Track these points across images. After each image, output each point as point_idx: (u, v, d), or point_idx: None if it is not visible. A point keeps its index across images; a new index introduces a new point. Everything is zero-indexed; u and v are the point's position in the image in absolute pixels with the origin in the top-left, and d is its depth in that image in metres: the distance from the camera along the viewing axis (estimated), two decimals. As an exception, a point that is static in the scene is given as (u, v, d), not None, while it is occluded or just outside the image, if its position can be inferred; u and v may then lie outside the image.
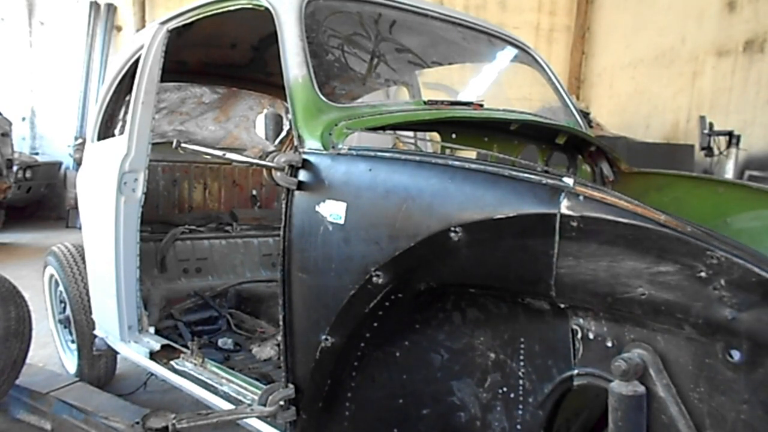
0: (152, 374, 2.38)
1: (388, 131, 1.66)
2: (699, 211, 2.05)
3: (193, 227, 3.15)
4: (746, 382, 0.93)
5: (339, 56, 1.91)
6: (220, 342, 2.42)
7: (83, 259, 2.77)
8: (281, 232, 1.47)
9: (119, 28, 9.55)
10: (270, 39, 1.95)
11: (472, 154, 2.29)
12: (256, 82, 3.30)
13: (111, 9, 9.52)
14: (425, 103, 1.76)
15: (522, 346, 1.23)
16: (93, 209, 2.53)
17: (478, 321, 1.30)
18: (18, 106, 9.31)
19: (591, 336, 1.10)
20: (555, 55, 8.66)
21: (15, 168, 7.34)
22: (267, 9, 1.68)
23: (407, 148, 2.24)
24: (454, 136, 1.78)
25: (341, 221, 1.35)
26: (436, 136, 1.89)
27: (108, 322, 2.42)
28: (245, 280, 3.06)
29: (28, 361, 2.43)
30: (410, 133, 2.01)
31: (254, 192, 3.63)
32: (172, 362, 2.11)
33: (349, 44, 1.95)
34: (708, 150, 5.73)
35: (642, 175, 2.25)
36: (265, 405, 1.48)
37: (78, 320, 2.77)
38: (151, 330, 2.35)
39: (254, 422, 1.67)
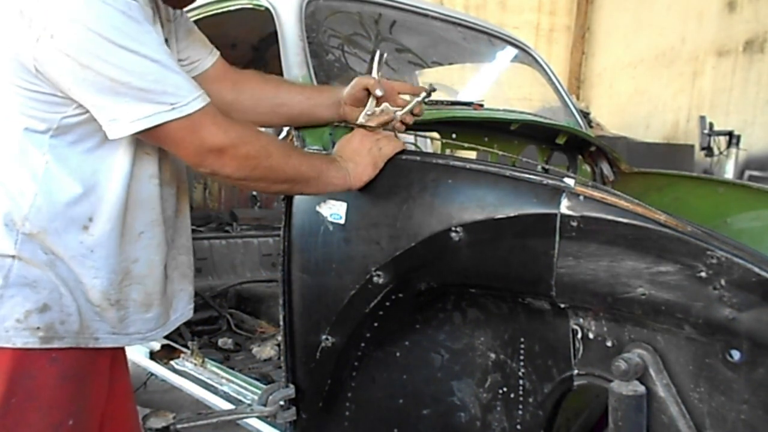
0: (152, 374, 2.38)
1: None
2: (699, 211, 2.05)
3: (193, 227, 3.15)
4: (746, 382, 0.93)
5: (339, 56, 1.91)
6: (220, 342, 2.42)
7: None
8: (281, 232, 1.47)
9: (119, 28, 9.53)
10: (270, 39, 1.95)
11: (472, 154, 2.29)
12: (257, 82, 3.30)
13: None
14: (425, 103, 1.76)
15: (522, 346, 1.23)
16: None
17: (478, 321, 1.30)
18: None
19: (591, 336, 1.11)
20: (555, 55, 8.65)
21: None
22: (267, 9, 1.68)
23: (407, 148, 2.24)
24: (454, 136, 1.78)
25: (341, 221, 1.35)
26: (436, 136, 1.89)
27: (108, 322, 2.41)
28: (245, 280, 3.06)
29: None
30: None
31: (254, 192, 3.63)
32: (172, 362, 2.11)
33: (349, 44, 1.95)
34: (708, 150, 5.73)
35: (642, 175, 2.25)
36: (265, 405, 1.48)
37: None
38: (151, 330, 2.34)
39: (254, 422, 1.67)
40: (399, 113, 1.35)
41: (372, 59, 1.35)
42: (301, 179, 1.20)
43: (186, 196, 1.32)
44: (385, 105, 1.37)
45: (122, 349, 1.28)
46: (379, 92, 1.33)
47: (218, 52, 1.36)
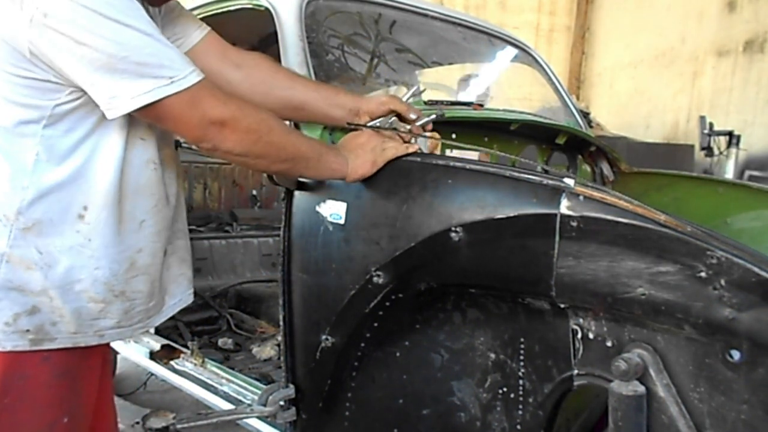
0: (152, 374, 2.38)
1: (389, 131, 1.66)
2: (699, 211, 2.05)
3: (193, 227, 3.15)
4: (746, 382, 0.93)
5: (339, 56, 1.91)
6: (220, 342, 2.42)
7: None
8: (281, 232, 1.47)
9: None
10: (270, 39, 1.95)
11: (472, 154, 2.29)
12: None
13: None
14: (425, 103, 1.76)
15: (522, 346, 1.23)
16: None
17: (478, 321, 1.30)
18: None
19: (591, 336, 1.10)
20: (555, 55, 8.64)
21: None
22: (267, 9, 1.68)
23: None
24: (454, 136, 1.78)
25: (341, 221, 1.35)
26: (436, 136, 1.89)
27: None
28: (245, 280, 3.06)
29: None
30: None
31: (254, 192, 3.63)
32: (172, 362, 2.11)
33: (349, 44, 1.95)
34: (708, 150, 5.72)
35: (642, 175, 2.25)
36: (265, 405, 1.48)
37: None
38: (151, 330, 2.35)
39: (254, 422, 1.67)
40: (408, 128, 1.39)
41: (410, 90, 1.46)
42: (301, 159, 1.19)
43: (182, 180, 1.31)
44: (394, 119, 1.40)
45: (109, 345, 1.27)
46: (413, 116, 1.39)
47: (209, 28, 1.34)
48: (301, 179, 1.45)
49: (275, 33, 1.65)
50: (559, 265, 1.05)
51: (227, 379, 1.90)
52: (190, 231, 3.34)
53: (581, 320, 1.11)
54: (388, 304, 1.29)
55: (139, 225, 1.15)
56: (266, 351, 2.26)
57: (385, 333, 1.36)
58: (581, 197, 1.04)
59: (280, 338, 1.55)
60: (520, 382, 1.24)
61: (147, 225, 1.16)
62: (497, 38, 2.34)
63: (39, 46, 0.96)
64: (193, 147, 1.41)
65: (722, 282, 0.90)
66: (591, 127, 5.15)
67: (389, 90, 2.74)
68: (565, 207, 1.04)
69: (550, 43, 8.82)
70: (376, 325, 1.34)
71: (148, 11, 1.14)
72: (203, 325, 2.63)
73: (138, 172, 1.13)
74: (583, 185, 1.07)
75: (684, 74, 7.19)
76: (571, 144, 2.19)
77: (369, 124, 1.37)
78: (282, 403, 1.49)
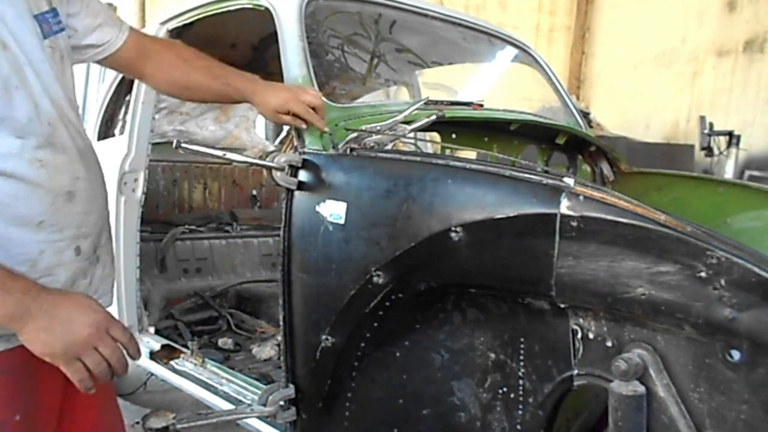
0: (152, 374, 2.38)
1: (389, 131, 1.66)
2: (699, 211, 2.05)
3: (193, 227, 3.15)
4: (746, 382, 0.93)
5: (339, 56, 1.91)
6: (220, 342, 2.42)
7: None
8: (281, 232, 1.47)
9: (119, 28, 9.51)
10: (270, 39, 1.96)
11: (472, 154, 2.29)
12: (256, 82, 3.29)
13: (111, 9, 9.48)
14: (426, 102, 1.77)
15: (522, 346, 1.23)
16: (93, 209, 2.52)
17: (478, 321, 1.30)
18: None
19: (591, 336, 1.10)
20: (555, 55, 8.63)
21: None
22: (267, 9, 1.68)
23: (407, 148, 2.25)
24: (454, 136, 1.78)
25: (341, 221, 1.35)
26: (436, 136, 1.89)
27: (108, 322, 2.41)
28: (245, 280, 3.06)
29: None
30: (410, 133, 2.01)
31: (254, 192, 3.63)
32: (172, 362, 2.11)
33: (349, 44, 1.95)
34: (708, 150, 5.73)
35: (642, 175, 2.26)
36: (265, 405, 1.48)
37: (78, 320, 2.76)
38: (151, 330, 2.35)
39: (254, 422, 1.67)
40: (409, 128, 1.37)
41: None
42: None
43: (96, 166, 1.20)
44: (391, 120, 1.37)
45: None
46: (317, 102, 1.43)
47: (128, 28, 1.33)
48: (302, 179, 1.45)
49: (275, 33, 1.65)
50: (559, 265, 1.05)
51: (227, 379, 1.90)
52: (190, 231, 3.33)
53: (581, 320, 1.11)
54: (388, 304, 1.29)
55: (38, 225, 1.06)
56: (266, 351, 2.26)
57: (385, 333, 1.36)
58: (581, 197, 1.04)
59: (280, 338, 1.55)
60: (520, 382, 1.24)
61: (47, 224, 1.07)
62: (497, 38, 2.34)
63: None
64: (192, 148, 1.41)
65: (722, 282, 0.90)
66: (591, 127, 5.15)
67: (389, 90, 2.75)
68: (565, 207, 1.04)
69: (550, 43, 8.82)
70: (376, 325, 1.34)
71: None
72: (203, 325, 2.64)
73: (23, 172, 1.03)
74: (583, 185, 1.07)
75: (684, 74, 7.19)
76: (571, 144, 2.20)
77: (367, 128, 1.36)
78: (282, 403, 1.49)
